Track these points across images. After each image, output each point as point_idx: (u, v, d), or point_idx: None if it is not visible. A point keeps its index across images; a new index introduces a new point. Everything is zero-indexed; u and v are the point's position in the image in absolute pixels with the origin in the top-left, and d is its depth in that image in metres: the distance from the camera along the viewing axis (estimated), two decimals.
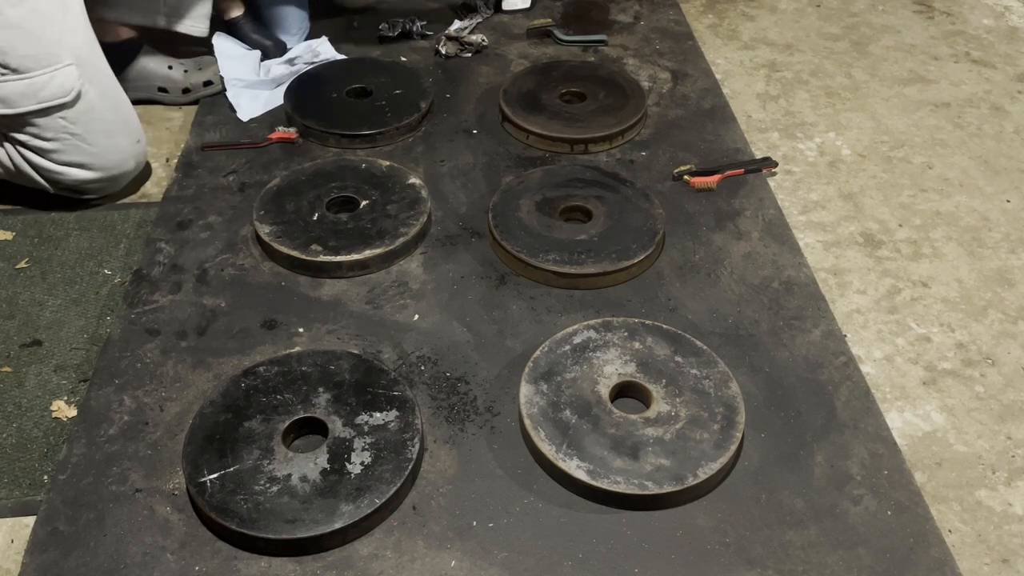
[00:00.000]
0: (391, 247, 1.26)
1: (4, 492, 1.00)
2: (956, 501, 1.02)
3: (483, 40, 1.79)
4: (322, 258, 1.23)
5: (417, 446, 0.98)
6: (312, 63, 1.70)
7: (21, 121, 1.28)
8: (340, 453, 0.97)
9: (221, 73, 1.60)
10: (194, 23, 1.60)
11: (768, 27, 2.00)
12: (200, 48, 1.67)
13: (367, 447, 0.98)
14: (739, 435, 0.99)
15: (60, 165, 1.33)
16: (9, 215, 1.40)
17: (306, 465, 0.96)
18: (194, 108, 1.64)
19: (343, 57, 1.74)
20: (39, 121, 1.28)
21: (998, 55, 1.90)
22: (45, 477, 1.01)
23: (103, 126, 1.33)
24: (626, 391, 1.07)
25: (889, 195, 1.49)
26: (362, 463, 0.96)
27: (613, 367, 1.07)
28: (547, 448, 0.98)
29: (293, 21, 1.77)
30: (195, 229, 1.33)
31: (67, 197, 1.40)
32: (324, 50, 1.75)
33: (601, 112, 1.55)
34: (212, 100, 1.62)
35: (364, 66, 1.69)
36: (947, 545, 0.93)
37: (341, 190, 1.35)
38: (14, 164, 1.34)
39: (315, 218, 1.30)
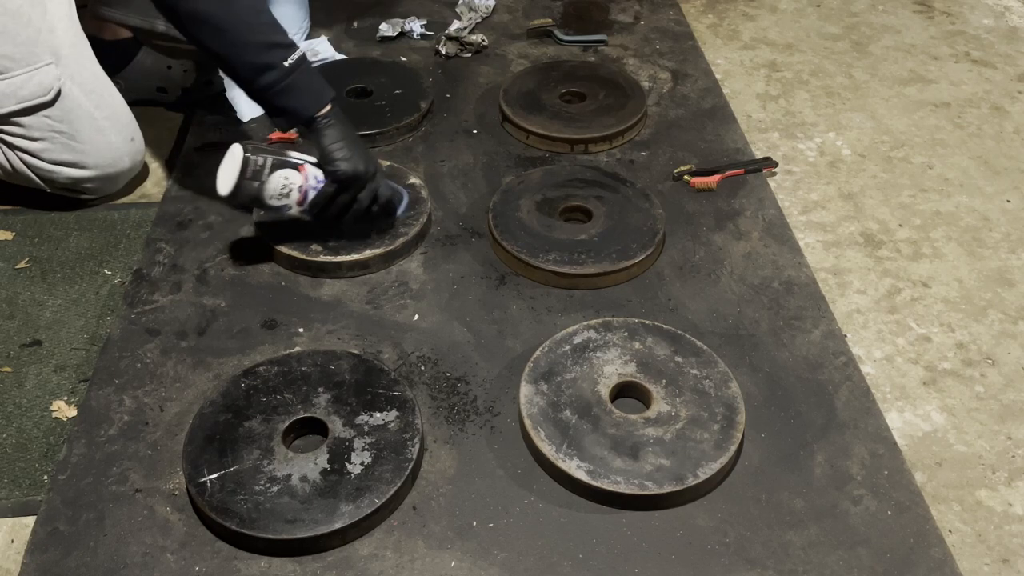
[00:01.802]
0: (391, 247, 1.26)
1: (4, 492, 1.00)
2: (956, 501, 1.02)
3: (483, 40, 1.79)
4: (322, 258, 1.23)
5: (417, 446, 0.98)
6: (311, 63, 1.70)
7: (6, 121, 1.28)
8: (340, 453, 0.97)
9: (221, 75, 1.60)
10: None
11: (768, 27, 2.00)
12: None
13: (367, 447, 0.98)
14: (739, 435, 0.99)
15: (51, 164, 1.33)
16: (9, 215, 1.40)
17: (306, 465, 0.96)
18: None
19: (343, 57, 1.74)
20: (24, 120, 1.28)
21: (998, 55, 1.90)
22: (45, 477, 1.01)
23: (91, 124, 1.33)
24: (626, 391, 1.07)
25: (889, 195, 1.49)
26: (362, 463, 0.96)
27: (613, 367, 1.07)
28: (547, 448, 0.98)
29: (293, 21, 1.76)
30: (195, 229, 1.33)
31: (66, 197, 1.40)
32: (324, 50, 1.74)
33: (601, 112, 1.55)
34: (212, 100, 1.62)
35: (364, 66, 1.69)
36: (947, 545, 0.93)
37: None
38: (10, 164, 1.34)
39: None
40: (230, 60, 1.14)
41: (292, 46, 1.14)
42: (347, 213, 1.21)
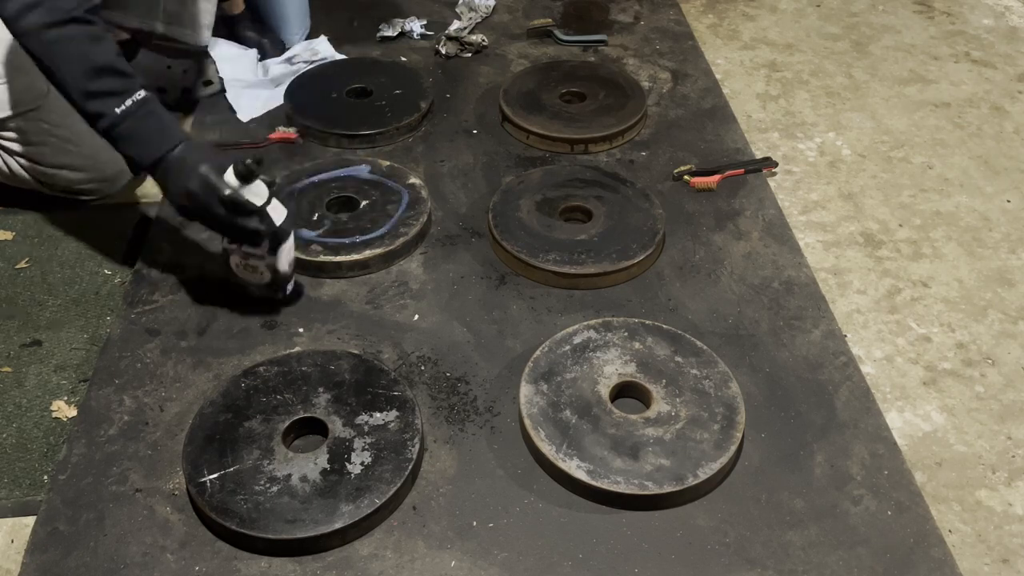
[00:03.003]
0: (391, 247, 1.26)
1: (4, 492, 1.00)
2: (956, 501, 1.02)
3: (483, 40, 1.79)
4: (322, 258, 1.23)
5: (417, 446, 0.98)
6: (311, 62, 1.70)
7: (2, 127, 1.28)
8: (340, 453, 0.97)
9: (220, 75, 1.60)
10: (195, 32, 1.56)
11: (768, 27, 2.00)
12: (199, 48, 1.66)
13: (367, 447, 0.98)
14: (739, 435, 0.99)
15: (49, 167, 1.33)
16: (9, 215, 1.40)
17: (306, 465, 0.96)
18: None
19: (342, 57, 1.74)
20: (20, 125, 1.28)
21: (998, 55, 1.90)
22: (45, 477, 1.01)
23: (88, 127, 1.32)
24: (626, 391, 1.07)
25: (889, 195, 1.49)
26: (362, 463, 0.96)
27: (613, 367, 1.07)
28: (547, 448, 0.98)
29: (293, 20, 1.77)
30: (195, 229, 1.33)
31: (66, 199, 1.40)
32: (323, 49, 1.74)
33: (601, 112, 1.55)
34: (212, 100, 1.62)
35: (364, 66, 1.69)
36: (947, 545, 0.93)
37: (341, 190, 1.35)
38: (8, 167, 1.34)
39: (315, 218, 1.30)
40: (67, 99, 1.08)
41: (126, 92, 1.06)
42: (221, 226, 1.13)
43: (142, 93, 1.08)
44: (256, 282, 1.15)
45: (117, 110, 1.06)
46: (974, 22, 2.02)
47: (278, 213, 1.10)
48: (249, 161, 1.05)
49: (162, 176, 1.10)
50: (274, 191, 1.09)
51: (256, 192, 1.07)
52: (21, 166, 1.33)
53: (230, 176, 1.06)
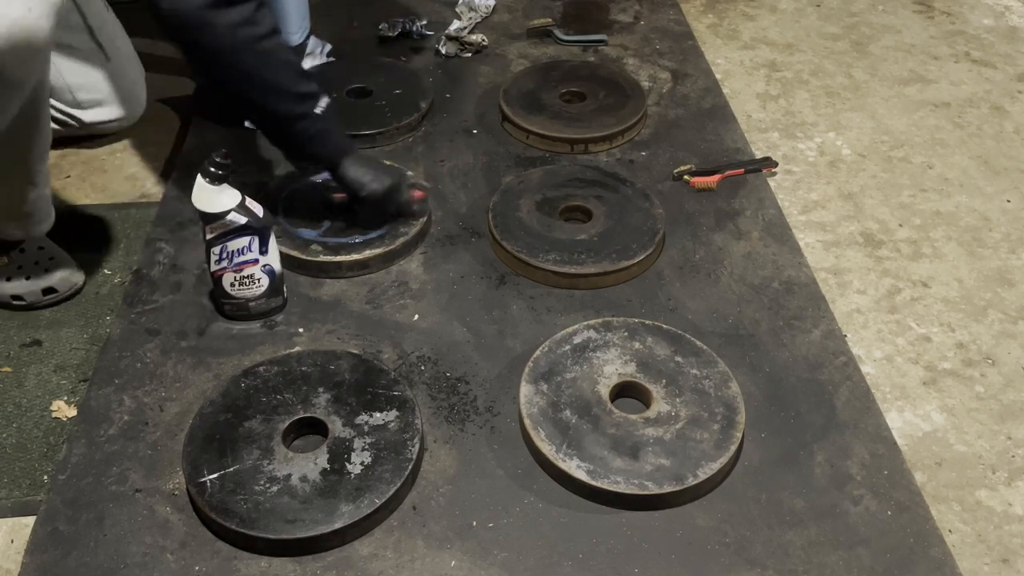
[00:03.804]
0: (391, 247, 1.26)
1: (4, 492, 1.00)
2: (956, 501, 1.02)
3: (483, 40, 1.79)
4: (322, 258, 1.23)
5: (417, 446, 0.98)
6: (322, 59, 1.70)
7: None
8: (340, 453, 0.97)
9: None
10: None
11: (768, 27, 2.00)
12: None
13: (367, 447, 0.98)
14: (739, 435, 0.99)
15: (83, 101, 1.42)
16: None
17: (306, 465, 0.96)
18: None
19: (343, 57, 1.74)
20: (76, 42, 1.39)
21: (998, 55, 1.90)
22: (45, 477, 1.01)
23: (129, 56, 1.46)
24: (626, 391, 1.07)
25: (889, 195, 1.49)
26: (362, 463, 0.96)
27: (613, 367, 1.07)
28: (547, 448, 0.98)
29: (293, 20, 1.76)
30: (195, 229, 1.33)
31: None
32: (322, 50, 1.74)
33: (601, 112, 1.55)
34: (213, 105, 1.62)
35: (364, 66, 1.69)
36: (947, 545, 0.93)
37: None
38: None
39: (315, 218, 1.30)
40: (267, 109, 1.14)
41: (320, 94, 1.16)
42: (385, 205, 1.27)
43: (326, 98, 1.17)
44: (254, 294, 1.15)
45: (318, 111, 1.15)
46: (974, 22, 2.02)
47: (257, 209, 1.11)
48: (219, 160, 1.05)
49: (345, 173, 1.22)
50: (231, 170, 1.09)
51: (230, 195, 1.08)
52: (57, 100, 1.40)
53: (202, 182, 1.06)
